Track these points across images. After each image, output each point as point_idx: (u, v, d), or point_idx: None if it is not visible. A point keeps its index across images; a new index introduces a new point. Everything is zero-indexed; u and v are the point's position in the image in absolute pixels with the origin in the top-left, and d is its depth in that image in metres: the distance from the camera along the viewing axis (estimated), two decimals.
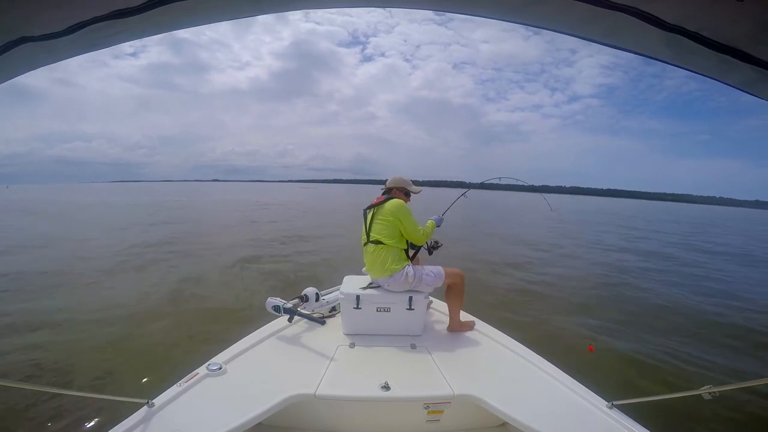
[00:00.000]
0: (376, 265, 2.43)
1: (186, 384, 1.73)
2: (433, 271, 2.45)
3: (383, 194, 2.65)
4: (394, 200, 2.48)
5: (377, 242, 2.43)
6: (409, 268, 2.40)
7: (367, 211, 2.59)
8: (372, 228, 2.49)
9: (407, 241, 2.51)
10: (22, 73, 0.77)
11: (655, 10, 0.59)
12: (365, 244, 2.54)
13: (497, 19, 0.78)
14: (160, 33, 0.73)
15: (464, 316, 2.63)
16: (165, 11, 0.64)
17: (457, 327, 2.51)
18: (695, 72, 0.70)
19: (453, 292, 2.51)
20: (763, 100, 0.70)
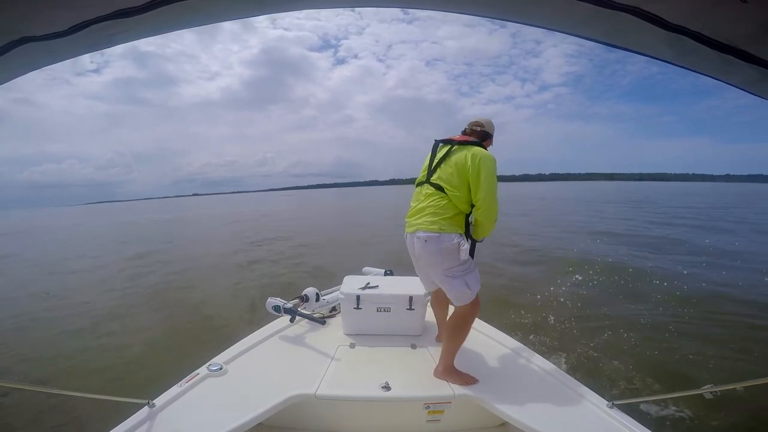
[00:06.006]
0: (427, 213, 1.87)
1: (187, 384, 1.73)
2: (477, 279, 1.89)
3: (464, 134, 2.05)
4: (485, 150, 1.90)
5: (439, 188, 1.88)
6: (463, 242, 1.84)
7: (441, 144, 1.98)
8: (439, 168, 1.92)
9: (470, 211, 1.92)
10: (23, 74, 0.77)
11: (657, 10, 0.59)
12: (420, 184, 2.01)
13: (499, 19, 0.78)
14: (162, 33, 0.73)
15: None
16: (167, 11, 0.64)
17: (446, 374, 1.88)
18: (698, 72, 0.70)
19: (461, 322, 1.91)
20: (764, 100, 0.70)
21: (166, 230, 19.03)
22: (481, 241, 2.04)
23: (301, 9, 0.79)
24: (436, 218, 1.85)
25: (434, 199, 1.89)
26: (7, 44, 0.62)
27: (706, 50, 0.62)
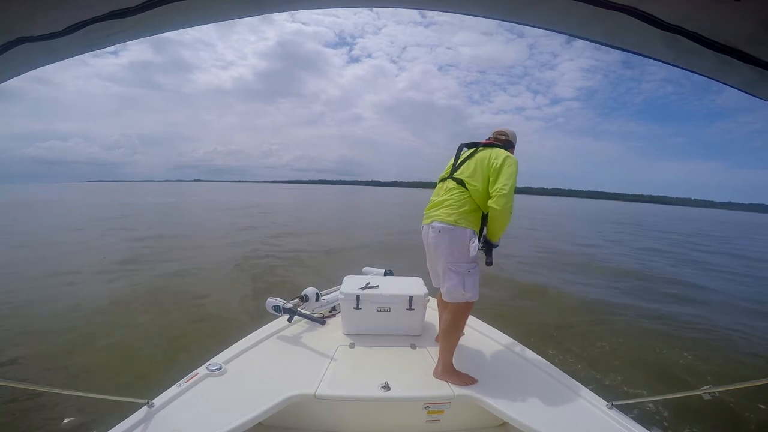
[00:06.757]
0: (445, 205, 1.94)
1: (186, 384, 1.73)
2: (476, 286, 1.91)
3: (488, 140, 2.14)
4: (508, 152, 1.97)
5: (460, 182, 1.95)
6: (476, 240, 1.89)
7: (466, 147, 2.09)
8: (463, 165, 2.00)
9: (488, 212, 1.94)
10: (21, 74, 0.77)
11: (654, 10, 0.59)
12: (442, 180, 2.08)
13: (498, 19, 0.78)
14: (160, 33, 0.73)
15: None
16: (164, 11, 0.64)
17: (446, 375, 1.89)
18: (695, 72, 0.70)
19: (453, 321, 1.93)
20: (763, 101, 0.70)
21: (164, 216, 18.91)
22: (497, 245, 2.04)
23: (300, 9, 0.79)
24: (454, 210, 1.90)
25: (455, 193, 1.95)
26: (4, 45, 0.62)
27: (704, 50, 0.62)
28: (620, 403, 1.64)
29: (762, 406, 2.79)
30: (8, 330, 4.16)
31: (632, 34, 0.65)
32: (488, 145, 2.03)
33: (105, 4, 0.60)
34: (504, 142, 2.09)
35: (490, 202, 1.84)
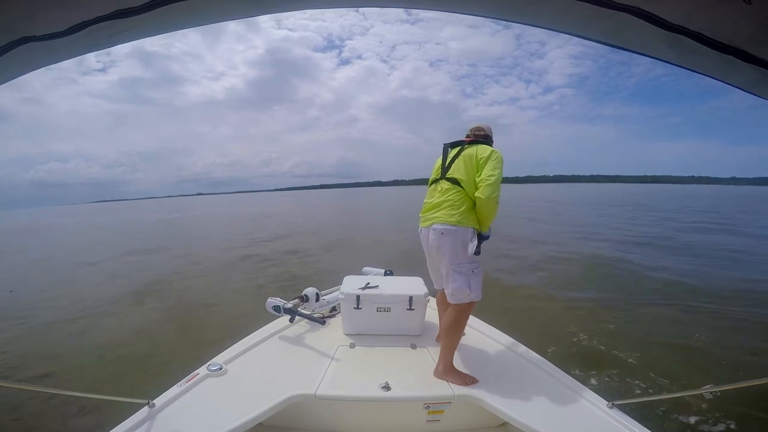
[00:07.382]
0: (445, 207, 1.94)
1: (187, 384, 1.73)
2: (480, 286, 1.93)
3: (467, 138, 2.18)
4: (492, 147, 2.02)
5: (455, 182, 1.96)
6: (476, 239, 1.90)
7: (450, 147, 2.11)
8: (453, 164, 2.02)
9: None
10: (23, 74, 0.77)
11: (657, 10, 0.59)
12: (435, 181, 2.09)
13: (498, 19, 0.78)
14: (162, 33, 0.73)
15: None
16: (167, 11, 0.64)
17: (446, 374, 1.90)
18: (698, 72, 0.70)
19: (456, 321, 1.94)
20: (764, 100, 0.70)
21: (167, 230, 19.11)
22: (487, 237, 2.03)
23: (300, 9, 0.79)
24: (455, 211, 1.91)
25: (452, 194, 1.96)
26: (7, 44, 0.62)
27: (707, 50, 0.62)
28: (621, 402, 1.64)
29: (764, 406, 2.78)
30: (10, 333, 4.16)
31: (635, 34, 0.65)
32: (472, 142, 2.08)
33: (108, 3, 0.60)
34: (483, 137, 2.15)
35: (476, 192, 1.87)
